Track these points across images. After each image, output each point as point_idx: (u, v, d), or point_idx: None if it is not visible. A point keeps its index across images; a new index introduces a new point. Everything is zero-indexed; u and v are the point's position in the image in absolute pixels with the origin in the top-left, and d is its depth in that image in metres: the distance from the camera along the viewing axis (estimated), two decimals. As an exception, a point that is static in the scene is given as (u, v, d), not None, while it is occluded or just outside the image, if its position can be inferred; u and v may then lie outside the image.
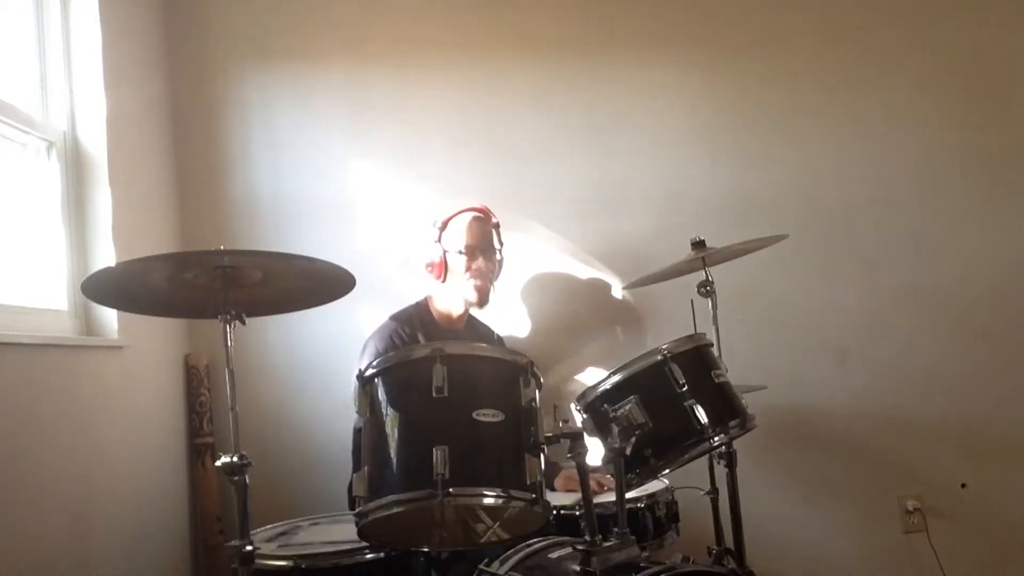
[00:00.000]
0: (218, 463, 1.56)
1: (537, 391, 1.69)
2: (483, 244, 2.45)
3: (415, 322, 2.46)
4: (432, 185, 2.81)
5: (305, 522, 2.13)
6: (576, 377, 2.84)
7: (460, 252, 2.43)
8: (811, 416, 2.90)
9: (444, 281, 2.46)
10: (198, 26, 2.89)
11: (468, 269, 2.43)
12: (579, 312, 2.91)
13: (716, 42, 3.00)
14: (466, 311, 2.54)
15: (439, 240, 2.45)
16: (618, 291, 2.90)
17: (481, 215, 2.49)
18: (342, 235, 2.84)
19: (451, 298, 2.50)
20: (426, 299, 2.55)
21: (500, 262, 2.52)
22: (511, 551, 1.78)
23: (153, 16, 2.81)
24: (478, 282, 2.43)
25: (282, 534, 2.01)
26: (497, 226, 2.51)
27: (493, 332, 2.65)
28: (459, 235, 2.44)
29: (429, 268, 2.47)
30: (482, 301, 2.46)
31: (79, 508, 2.09)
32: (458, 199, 2.54)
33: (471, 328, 2.59)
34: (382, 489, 1.57)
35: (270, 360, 2.79)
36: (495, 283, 2.50)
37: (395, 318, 2.46)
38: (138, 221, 2.53)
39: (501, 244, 2.52)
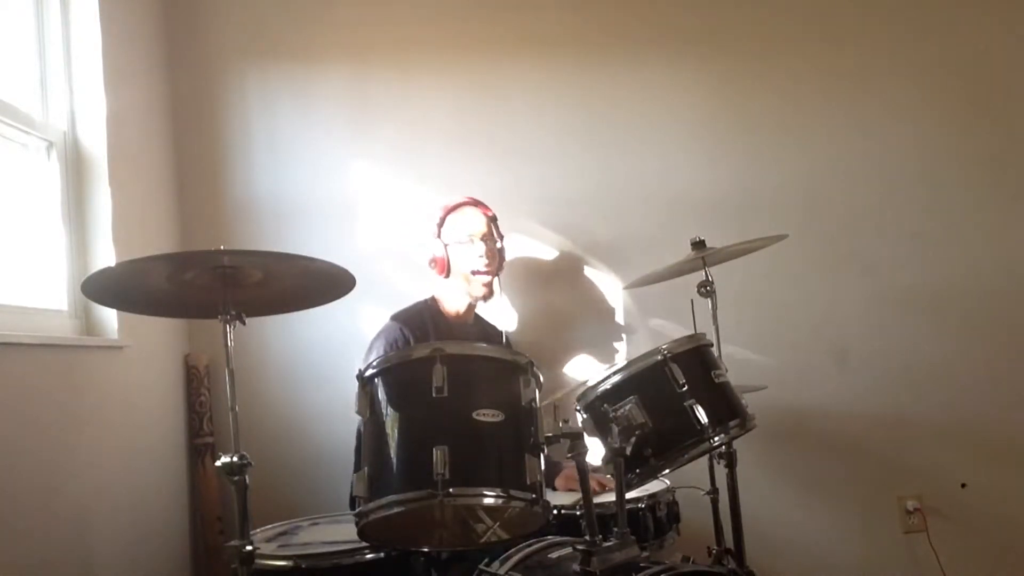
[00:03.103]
0: (218, 463, 1.56)
1: (537, 391, 1.68)
2: (483, 233, 2.46)
3: (425, 320, 2.45)
4: (432, 185, 2.82)
5: (305, 522, 2.13)
6: (576, 377, 2.84)
7: (460, 243, 2.44)
8: (811, 416, 2.90)
9: (448, 276, 2.46)
10: (198, 26, 2.89)
11: (471, 258, 2.43)
12: (579, 312, 2.91)
13: (717, 42, 3.00)
14: (473, 305, 2.54)
15: (439, 235, 2.46)
16: (618, 291, 2.90)
17: (478, 206, 2.51)
18: (342, 235, 2.84)
19: (457, 294, 2.50)
20: (433, 298, 2.54)
21: (502, 252, 2.53)
22: (511, 551, 1.78)
23: (153, 16, 2.81)
24: (484, 272, 2.44)
25: (282, 534, 2.01)
26: (494, 218, 2.52)
27: (500, 331, 2.63)
28: (459, 226, 2.46)
29: (432, 264, 2.47)
30: (488, 292, 2.48)
31: (79, 508, 2.09)
32: (457, 199, 2.54)
33: (479, 325, 2.60)
34: (382, 489, 1.57)
35: (270, 360, 2.79)
36: (499, 275, 2.51)
37: (398, 318, 2.45)
38: (138, 221, 2.53)
39: (501, 236, 2.53)
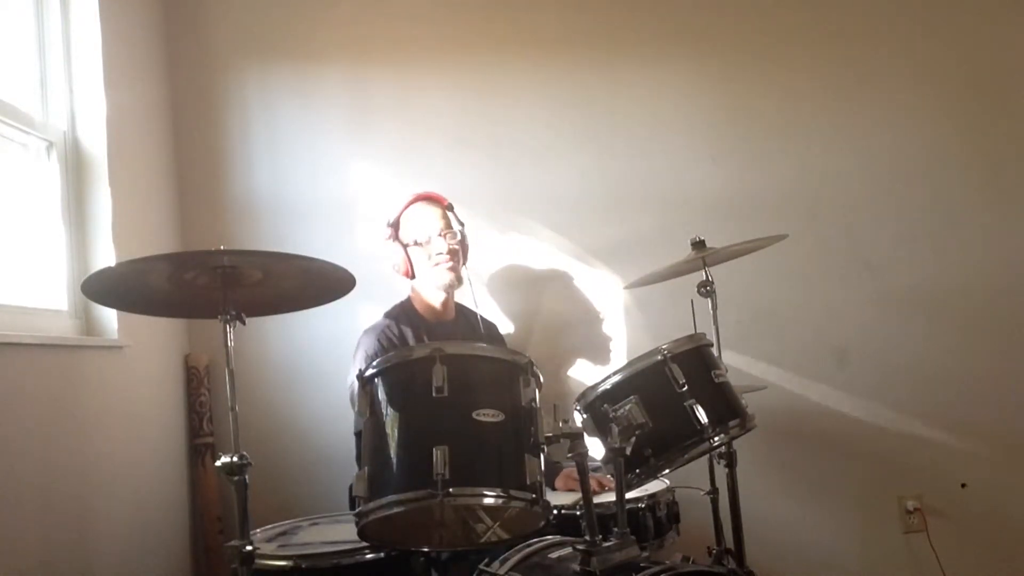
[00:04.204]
0: (218, 463, 1.56)
1: (537, 391, 1.68)
2: (439, 228, 2.42)
3: (402, 319, 2.45)
4: (432, 185, 2.80)
5: (305, 522, 2.13)
6: (576, 377, 2.84)
7: (419, 244, 2.42)
8: (811, 416, 2.90)
9: (414, 277, 2.46)
10: (198, 26, 2.89)
11: (431, 256, 2.42)
12: (579, 312, 2.91)
13: (717, 41, 3.00)
14: (449, 299, 2.52)
15: (396, 238, 2.45)
16: (618, 291, 2.90)
17: (429, 200, 2.47)
18: (342, 235, 2.84)
19: (428, 291, 2.49)
20: (409, 296, 2.54)
21: (463, 240, 2.48)
22: (511, 551, 1.78)
23: (153, 16, 2.82)
24: (444, 266, 2.42)
25: (282, 534, 2.01)
26: (450, 207, 2.48)
27: (479, 315, 2.57)
28: (413, 227, 2.44)
29: (396, 268, 2.47)
30: (453, 283, 2.44)
31: (79, 508, 2.09)
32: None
33: (460, 317, 2.57)
34: (382, 489, 1.57)
35: (270, 360, 2.80)
36: (465, 263, 2.47)
37: (387, 315, 2.47)
38: (138, 221, 2.53)
39: (462, 224, 2.48)
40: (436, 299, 2.50)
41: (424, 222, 2.43)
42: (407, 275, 2.46)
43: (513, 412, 1.61)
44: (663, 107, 2.97)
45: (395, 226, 2.46)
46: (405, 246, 2.44)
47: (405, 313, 2.48)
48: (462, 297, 2.59)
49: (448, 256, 2.41)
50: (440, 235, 2.41)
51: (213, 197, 2.86)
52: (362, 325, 2.55)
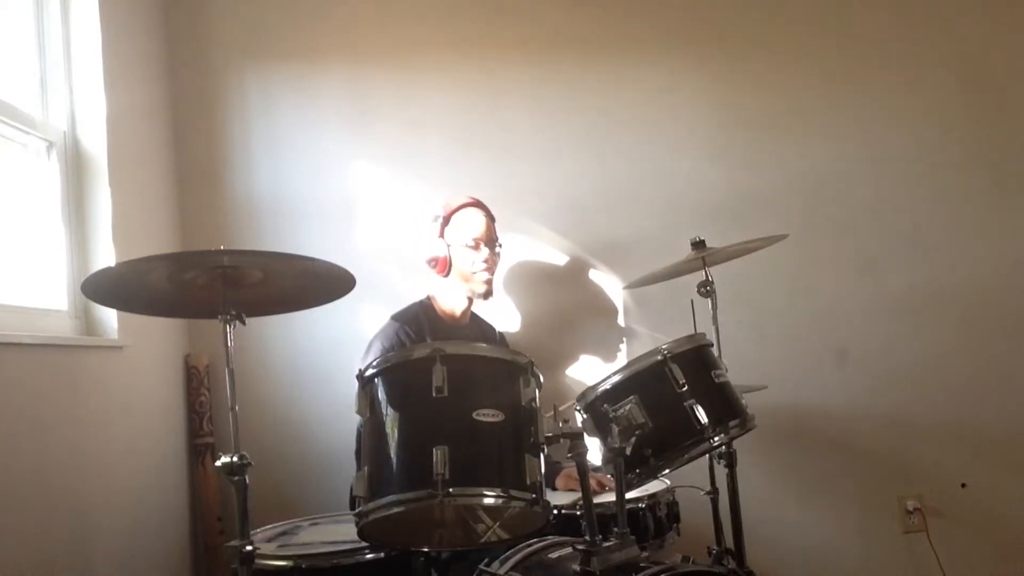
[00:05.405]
0: (218, 463, 1.56)
1: (537, 391, 1.68)
2: (487, 236, 2.47)
3: (421, 321, 2.45)
4: (432, 185, 2.82)
5: (305, 522, 2.12)
6: (576, 377, 2.84)
7: (467, 246, 2.44)
8: (811, 416, 2.90)
9: (447, 276, 2.47)
10: (198, 26, 2.89)
11: (475, 262, 2.45)
12: (579, 312, 2.91)
13: (716, 42, 3.00)
14: (470, 306, 2.55)
15: (442, 235, 2.46)
16: (618, 291, 2.90)
17: (479, 207, 2.51)
18: (342, 235, 2.84)
19: (454, 294, 2.51)
20: (429, 298, 2.54)
21: (499, 255, 2.54)
22: (511, 551, 1.78)
23: (153, 16, 2.81)
24: (486, 274, 2.46)
25: (282, 534, 2.01)
26: (493, 219, 2.53)
27: (495, 329, 2.67)
28: (464, 229, 2.46)
29: (432, 263, 2.47)
30: (488, 293, 2.49)
31: (79, 508, 2.09)
32: (461, 199, 2.53)
33: (475, 325, 2.60)
34: (382, 489, 1.57)
35: (270, 360, 2.79)
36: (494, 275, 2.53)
37: (397, 318, 2.46)
38: (138, 221, 2.53)
39: (497, 236, 2.54)
40: (459, 305, 2.52)
41: (474, 228, 2.47)
42: (442, 272, 2.46)
43: (513, 412, 1.60)
44: (663, 107, 2.97)
45: (445, 223, 2.47)
46: (449, 246, 2.45)
47: (425, 314, 2.49)
48: (478, 307, 2.60)
49: (488, 266, 2.46)
50: (486, 244, 2.46)
51: (213, 197, 2.86)
52: (363, 325, 2.56)
